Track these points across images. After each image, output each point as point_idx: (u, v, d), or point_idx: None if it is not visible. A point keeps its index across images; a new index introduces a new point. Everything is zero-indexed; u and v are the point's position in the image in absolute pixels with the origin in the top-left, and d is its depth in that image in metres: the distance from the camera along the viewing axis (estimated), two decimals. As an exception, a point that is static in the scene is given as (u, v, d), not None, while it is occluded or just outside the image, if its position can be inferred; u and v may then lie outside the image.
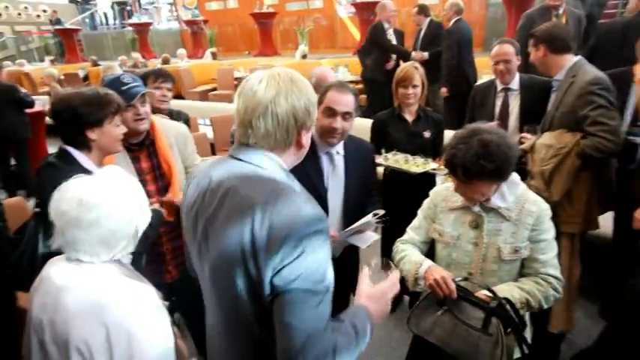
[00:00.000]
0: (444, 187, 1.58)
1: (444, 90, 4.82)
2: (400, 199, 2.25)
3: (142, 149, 1.77)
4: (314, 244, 0.84)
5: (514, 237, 1.39)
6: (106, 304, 0.97)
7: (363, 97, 6.39)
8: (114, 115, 1.51)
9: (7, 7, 14.69)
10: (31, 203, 3.45)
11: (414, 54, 5.18)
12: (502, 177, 1.33)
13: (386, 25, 5.26)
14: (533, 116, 2.28)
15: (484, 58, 6.17)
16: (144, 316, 1.00)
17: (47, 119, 5.59)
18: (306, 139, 1.00)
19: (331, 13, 10.66)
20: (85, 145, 1.49)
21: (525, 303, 1.35)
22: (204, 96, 7.90)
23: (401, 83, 2.36)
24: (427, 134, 2.41)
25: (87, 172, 1.44)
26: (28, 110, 4.91)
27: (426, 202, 1.61)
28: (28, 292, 1.10)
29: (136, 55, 10.13)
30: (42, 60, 13.04)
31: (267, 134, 0.93)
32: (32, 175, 5.01)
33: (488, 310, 1.28)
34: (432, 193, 1.61)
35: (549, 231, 1.41)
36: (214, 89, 8.18)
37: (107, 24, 15.88)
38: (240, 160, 0.95)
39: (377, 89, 5.36)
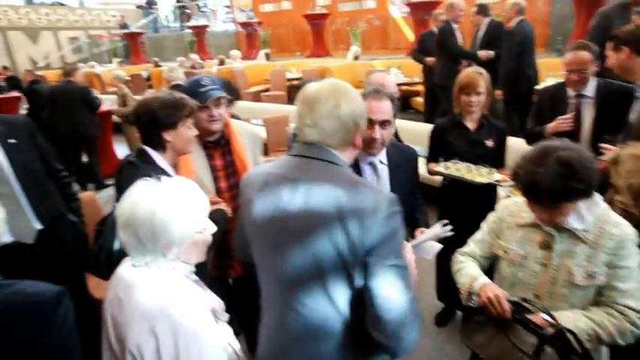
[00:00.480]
0: (512, 202, 1.49)
1: (498, 92, 4.58)
2: (459, 210, 2.17)
3: (217, 147, 1.86)
4: (398, 222, 1.01)
5: (589, 261, 1.26)
6: (160, 312, 0.97)
7: (420, 100, 6.26)
8: (187, 118, 1.61)
9: (83, 13, 15.90)
10: (100, 196, 3.71)
11: (480, 53, 4.88)
12: (590, 195, 1.22)
13: (454, 26, 4.99)
14: (609, 126, 2.09)
15: (548, 60, 5.86)
16: (200, 328, 1.00)
17: (114, 118, 6.00)
18: (359, 141, 1.13)
19: (384, 14, 10.51)
20: (160, 146, 1.60)
21: (593, 335, 1.22)
22: (256, 97, 8.08)
23: (464, 90, 2.23)
24: (489, 143, 2.28)
25: (162, 170, 1.57)
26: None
27: (492, 216, 1.53)
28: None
29: (194, 57, 10.59)
30: (110, 62, 14.01)
31: (333, 133, 1.06)
32: (100, 170, 5.43)
33: (542, 337, 1.18)
34: (498, 206, 1.53)
35: (633, 257, 1.26)
36: (267, 90, 8.35)
37: (168, 27, 16.73)
38: (314, 157, 1.06)
39: (448, 96, 5.15)
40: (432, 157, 2.43)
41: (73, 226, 1.90)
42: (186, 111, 1.60)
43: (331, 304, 1.01)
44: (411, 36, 9.48)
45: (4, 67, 10.69)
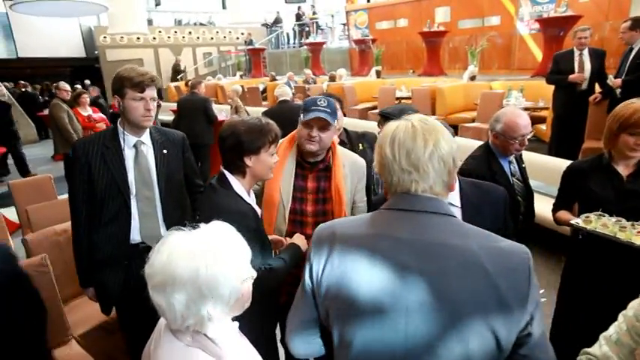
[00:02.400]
0: None
1: None
2: (596, 271, 1.75)
3: (312, 170, 1.83)
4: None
5: None
6: None
7: (544, 129, 5.51)
8: (270, 145, 1.57)
9: (217, 32, 17.86)
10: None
11: (572, 76, 4.43)
12: None
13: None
14: None
15: None
16: None
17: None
18: (454, 182, 0.96)
19: (509, 31, 9.65)
20: (240, 170, 1.57)
21: None
22: (363, 114, 8.01)
23: (630, 129, 1.77)
24: None
25: (238, 196, 1.55)
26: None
27: (635, 307, 1.09)
28: None
29: (308, 72, 11.01)
30: (234, 75, 15.39)
31: (436, 178, 0.89)
32: (210, 177, 5.86)
33: None
34: None
35: None
36: (375, 107, 8.23)
37: (288, 43, 17.81)
38: (425, 211, 0.89)
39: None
40: (562, 204, 2.02)
41: None
42: (270, 137, 1.56)
43: None
44: (539, 55, 8.52)
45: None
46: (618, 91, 4.34)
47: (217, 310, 0.90)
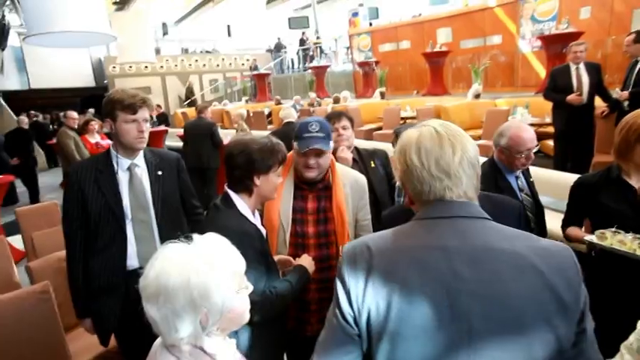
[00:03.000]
0: None
1: None
2: (613, 291, 1.69)
3: (312, 190, 1.79)
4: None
5: None
6: None
7: (550, 144, 5.46)
8: (279, 165, 1.55)
9: (223, 59, 18.27)
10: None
11: (569, 97, 4.46)
12: None
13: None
14: None
15: None
16: None
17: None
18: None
19: (511, 49, 9.72)
20: (248, 190, 1.53)
21: None
22: (368, 135, 8.03)
23: None
24: None
25: (242, 216, 1.51)
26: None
27: None
28: None
29: (312, 95, 11.14)
30: (240, 100, 15.63)
31: (468, 182, 0.87)
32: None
33: None
34: None
35: None
36: (380, 128, 8.25)
37: (293, 68, 18.13)
38: (463, 216, 0.85)
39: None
40: (572, 220, 1.95)
41: None
42: (280, 157, 1.55)
43: None
44: (542, 72, 8.55)
45: (158, 105, 12.62)
46: (626, 103, 4.31)
47: (211, 320, 0.87)
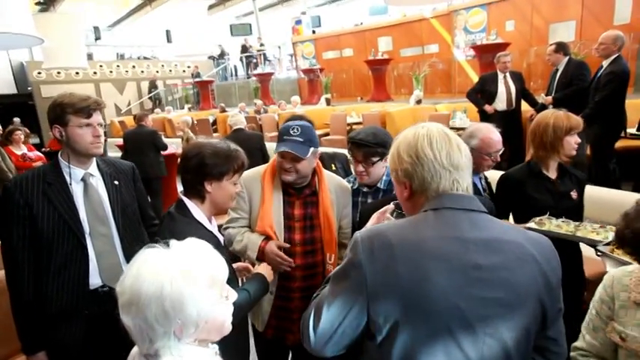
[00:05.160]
0: (625, 272, 1.17)
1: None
2: None
3: (299, 196, 1.75)
4: None
5: None
6: None
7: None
8: (234, 173, 1.47)
9: (162, 65, 17.55)
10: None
11: (486, 107, 5.21)
12: None
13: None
14: None
15: (635, 101, 5.25)
16: None
17: (179, 160, 6.25)
18: None
19: (448, 57, 10.33)
20: (199, 196, 1.46)
21: None
22: (316, 140, 8.07)
23: (570, 131, 1.96)
24: (574, 195, 2.00)
25: (198, 223, 1.43)
26: (163, 152, 5.49)
27: (599, 293, 1.22)
28: None
29: (259, 102, 11.04)
30: (182, 107, 15.08)
31: (469, 179, 0.94)
32: (163, 211, 5.58)
33: None
34: (606, 279, 1.21)
35: None
36: (327, 134, 8.34)
37: (236, 75, 17.85)
38: (473, 210, 0.91)
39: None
40: (502, 213, 2.06)
41: None
42: (236, 165, 1.47)
43: None
44: (476, 79, 9.14)
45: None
46: (550, 107, 4.72)
47: (186, 332, 0.81)
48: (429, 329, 0.83)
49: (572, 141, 1.97)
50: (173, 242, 0.87)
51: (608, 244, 1.72)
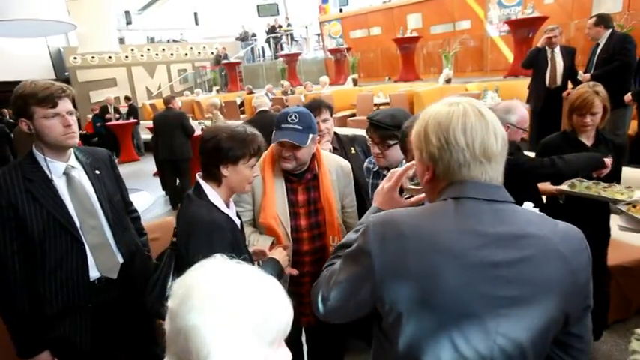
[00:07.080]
0: None
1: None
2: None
3: (300, 182, 1.75)
4: None
5: None
6: None
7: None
8: (251, 157, 1.48)
9: (191, 48, 17.73)
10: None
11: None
12: None
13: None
14: None
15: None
16: None
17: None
18: None
19: (480, 34, 9.88)
20: (216, 179, 1.48)
21: None
22: (343, 122, 8.01)
23: (577, 111, 2.12)
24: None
25: (214, 206, 1.45)
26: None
27: None
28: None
29: (286, 83, 11.01)
30: (210, 90, 15.25)
31: (501, 169, 0.86)
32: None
33: None
34: None
35: None
36: (354, 115, 8.25)
37: (263, 56, 17.81)
38: (499, 201, 0.84)
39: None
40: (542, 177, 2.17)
41: (149, 260, 1.87)
42: (252, 149, 1.47)
43: None
44: (510, 56, 8.74)
45: (127, 98, 12.15)
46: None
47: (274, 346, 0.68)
48: (434, 323, 0.79)
49: (580, 121, 2.10)
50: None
51: (628, 203, 1.83)
